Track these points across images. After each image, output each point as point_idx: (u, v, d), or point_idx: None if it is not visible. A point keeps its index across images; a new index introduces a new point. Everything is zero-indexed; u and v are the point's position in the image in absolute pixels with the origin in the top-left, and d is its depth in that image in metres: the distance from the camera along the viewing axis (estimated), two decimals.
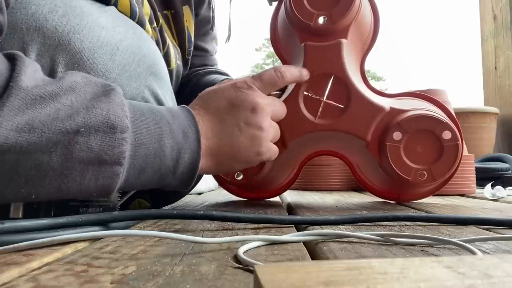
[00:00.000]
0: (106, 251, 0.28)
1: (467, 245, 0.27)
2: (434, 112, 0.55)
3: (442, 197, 0.76)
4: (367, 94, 0.55)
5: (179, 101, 0.57)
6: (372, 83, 0.60)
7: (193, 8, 0.71)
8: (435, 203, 0.63)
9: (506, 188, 0.80)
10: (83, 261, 0.25)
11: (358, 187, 0.95)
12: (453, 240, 0.29)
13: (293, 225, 0.39)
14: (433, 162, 0.54)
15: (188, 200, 0.75)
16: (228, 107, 0.47)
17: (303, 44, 0.56)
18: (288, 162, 0.62)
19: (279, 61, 0.64)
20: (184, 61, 0.72)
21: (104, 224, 0.34)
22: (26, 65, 0.32)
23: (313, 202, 0.66)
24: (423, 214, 0.42)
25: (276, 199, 0.72)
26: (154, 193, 0.60)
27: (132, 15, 0.51)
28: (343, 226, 0.39)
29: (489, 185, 0.79)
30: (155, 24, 0.60)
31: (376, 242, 0.31)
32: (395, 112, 0.54)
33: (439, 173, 0.54)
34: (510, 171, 1.13)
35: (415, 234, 0.32)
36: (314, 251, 0.30)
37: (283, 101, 0.55)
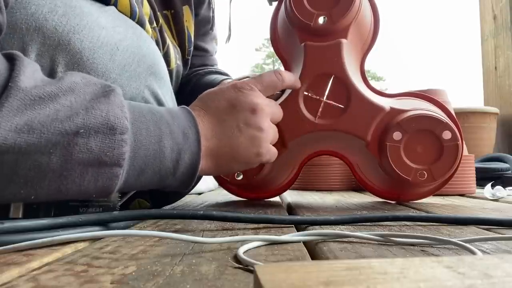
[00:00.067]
0: (106, 251, 0.28)
1: (467, 245, 0.27)
2: (434, 112, 0.55)
3: (442, 197, 0.76)
4: (367, 94, 0.55)
5: (179, 101, 0.57)
6: (372, 83, 0.60)
7: (193, 8, 0.71)
8: (435, 203, 0.63)
9: (506, 188, 0.80)
10: (83, 261, 0.25)
11: (358, 187, 0.95)
12: (453, 240, 0.28)
13: (293, 225, 0.39)
14: (433, 162, 0.54)
15: (188, 200, 0.75)
16: (228, 107, 0.47)
17: (303, 44, 0.56)
18: (288, 162, 0.62)
19: (279, 61, 0.64)
20: (184, 61, 0.72)
21: (104, 224, 0.34)
22: (25, 65, 0.32)
23: (313, 202, 0.66)
24: (423, 214, 0.42)
25: (276, 199, 0.72)
26: (154, 193, 0.60)
27: (132, 15, 0.51)
28: (343, 226, 0.39)
29: (489, 185, 0.79)
30: (155, 24, 0.60)
31: (376, 242, 0.31)
32: (395, 112, 0.54)
33: (439, 173, 0.54)
34: (510, 171, 1.13)
35: (415, 234, 0.32)
36: (314, 251, 0.30)
37: (283, 101, 0.55)
